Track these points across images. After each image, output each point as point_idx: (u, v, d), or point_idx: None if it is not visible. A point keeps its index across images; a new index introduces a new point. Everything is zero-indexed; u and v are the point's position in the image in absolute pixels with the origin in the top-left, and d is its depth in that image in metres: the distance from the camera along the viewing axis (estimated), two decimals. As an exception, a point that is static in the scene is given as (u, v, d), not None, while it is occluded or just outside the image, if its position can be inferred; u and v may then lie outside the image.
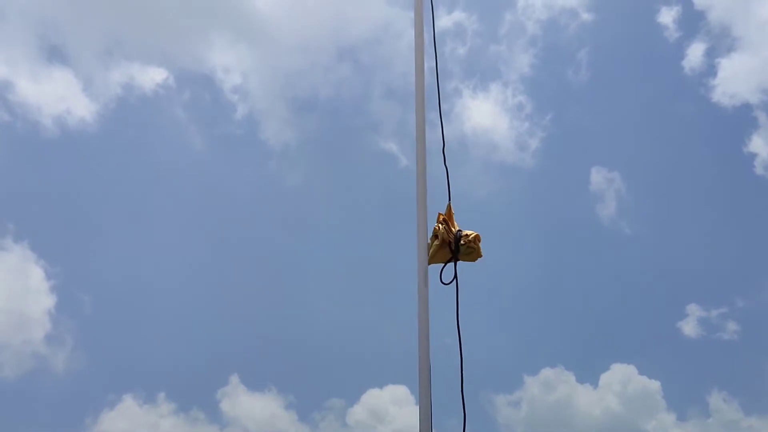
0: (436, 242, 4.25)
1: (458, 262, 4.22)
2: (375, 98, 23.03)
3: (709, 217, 21.12)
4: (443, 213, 4.34)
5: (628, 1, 23.96)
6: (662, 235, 21.06)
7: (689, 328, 18.84)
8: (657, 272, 20.24)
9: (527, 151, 21.76)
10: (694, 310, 18.83)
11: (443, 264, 4.26)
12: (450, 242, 4.24)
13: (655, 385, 17.88)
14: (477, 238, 4.31)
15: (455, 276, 4.20)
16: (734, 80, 21.07)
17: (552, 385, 18.38)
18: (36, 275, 18.73)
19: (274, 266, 20.52)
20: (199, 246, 20.75)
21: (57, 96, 21.30)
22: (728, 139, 21.54)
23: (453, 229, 4.30)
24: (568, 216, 21.70)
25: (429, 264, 4.16)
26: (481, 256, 4.34)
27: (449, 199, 4.43)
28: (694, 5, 22.08)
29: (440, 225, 4.29)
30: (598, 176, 20.96)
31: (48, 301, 18.47)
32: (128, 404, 17.13)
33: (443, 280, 4.20)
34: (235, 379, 17.64)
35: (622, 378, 18.06)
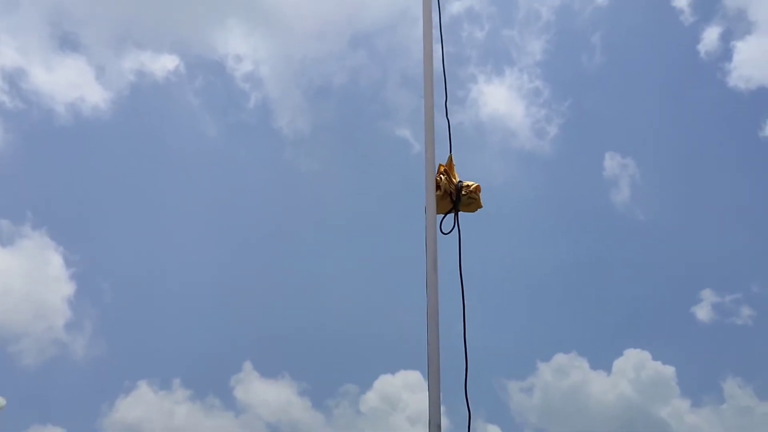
0: (438, 192, 4.24)
1: (459, 213, 4.26)
2: (390, 85, 23.02)
3: (724, 203, 21.04)
4: (444, 164, 4.35)
5: (643, -15, 23.79)
6: (676, 220, 20.99)
7: (703, 313, 18.82)
8: (671, 258, 20.18)
9: (542, 136, 21.70)
10: (708, 295, 18.80)
11: (443, 215, 4.27)
12: (451, 192, 4.26)
13: (669, 370, 17.87)
14: (477, 189, 4.33)
15: (456, 225, 4.23)
16: (750, 64, 20.92)
17: (565, 371, 18.40)
18: (55, 262, 18.90)
19: (287, 254, 20.60)
20: (213, 234, 20.86)
21: (70, 84, 21.42)
22: (744, 122, 21.41)
23: (454, 179, 4.32)
24: (583, 202, 21.67)
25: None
26: (481, 206, 4.36)
27: (450, 151, 4.45)
28: (709, -12, 21.92)
29: (441, 176, 4.30)
30: (612, 162, 20.89)
31: (68, 289, 18.63)
32: (144, 390, 17.28)
33: (443, 231, 4.22)
34: (248, 366, 17.74)
35: (635, 364, 18.04)
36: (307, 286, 19.65)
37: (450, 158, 4.40)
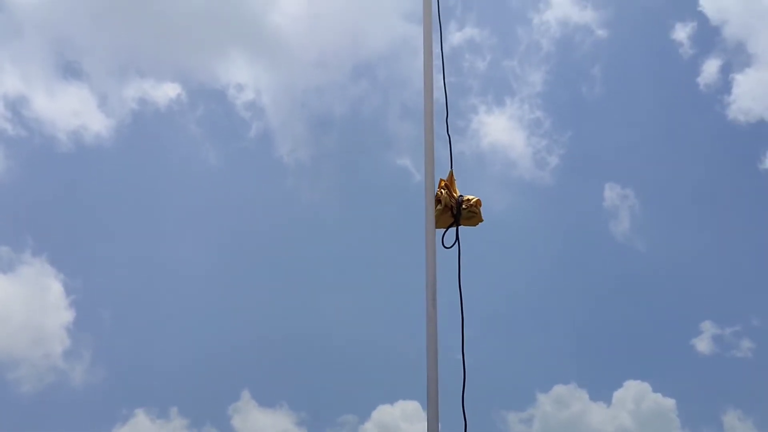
0: (438, 207, 4.30)
1: (460, 227, 4.30)
2: (391, 115, 23.09)
3: (724, 235, 21.01)
4: (445, 179, 4.39)
5: (643, 18, 23.93)
6: (676, 252, 20.95)
7: (704, 345, 18.73)
8: (671, 289, 20.15)
9: (543, 166, 21.75)
10: (708, 327, 18.72)
11: (445, 229, 4.32)
12: (452, 207, 4.30)
13: (669, 402, 17.77)
14: (478, 203, 4.37)
15: (457, 239, 4.28)
16: (749, 96, 20.99)
17: (565, 403, 18.29)
18: (55, 289, 18.86)
19: (287, 282, 20.55)
20: (213, 262, 20.81)
21: (72, 111, 21.48)
22: (743, 155, 21.44)
23: (454, 194, 4.36)
24: (582, 232, 21.65)
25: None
26: (482, 220, 4.40)
27: (451, 167, 4.49)
28: (708, 21, 22.01)
29: (442, 190, 4.34)
30: (611, 193, 20.92)
31: (67, 316, 18.56)
32: (141, 419, 17.14)
33: (445, 245, 4.28)
34: (246, 395, 17.64)
35: (635, 395, 17.95)
36: (306, 315, 19.59)
37: (451, 173, 4.46)
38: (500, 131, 22.30)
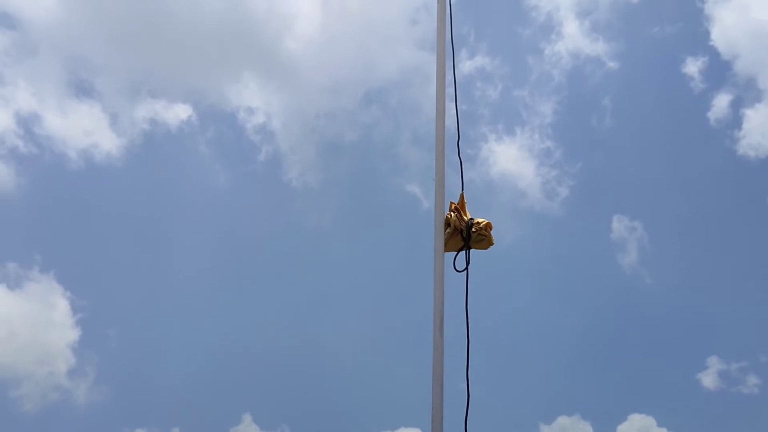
0: (448, 230, 4.30)
1: (471, 251, 4.31)
2: (401, 141, 23.15)
3: (732, 270, 20.93)
4: (455, 202, 4.39)
5: (654, 51, 24.00)
6: (684, 285, 20.87)
7: (709, 380, 18.61)
8: (678, 323, 20.04)
9: (552, 197, 21.75)
10: (714, 362, 18.60)
11: (456, 252, 4.32)
12: (462, 230, 4.29)
13: (673, 437, 17.62)
14: (488, 226, 4.38)
15: (467, 263, 4.28)
16: (759, 132, 20.98)
17: (568, 435, 18.14)
18: (61, 307, 18.84)
19: (292, 305, 20.52)
20: (219, 284, 20.82)
21: (84, 130, 21.61)
22: (752, 190, 21.42)
23: (465, 217, 4.36)
24: (590, 264, 21.59)
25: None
26: (492, 243, 4.40)
27: (462, 189, 4.50)
28: (720, 56, 22.07)
29: (452, 213, 4.35)
30: (619, 225, 20.88)
31: (73, 334, 18.54)
32: (141, 439, 17.11)
33: (456, 268, 4.27)
34: (248, 418, 17.57)
35: (640, 429, 17.78)
36: (311, 338, 19.55)
37: (461, 197, 4.47)
38: (510, 160, 22.34)
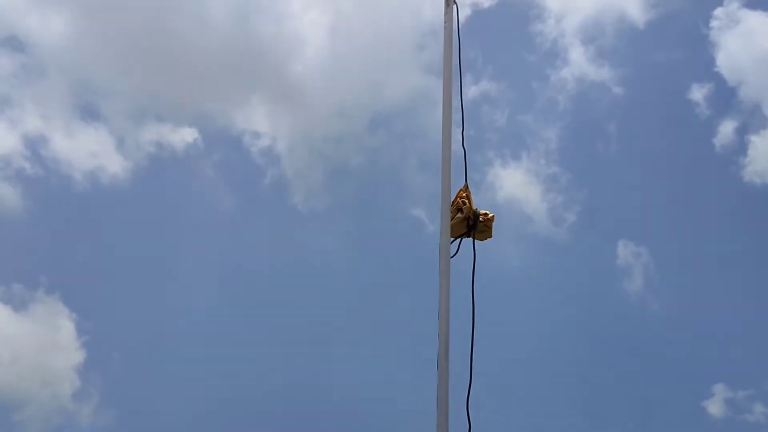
0: (459, 215, 4.36)
1: (471, 239, 4.38)
2: (408, 166, 23.16)
3: (738, 297, 20.81)
4: (463, 189, 4.42)
5: (659, 77, 24.06)
6: (690, 312, 20.75)
7: (715, 408, 18.47)
8: (683, 350, 19.92)
9: (558, 223, 21.72)
10: (720, 390, 18.48)
11: (457, 239, 4.38)
12: (469, 217, 4.35)
13: (679, 465, 17.50)
14: (492, 219, 4.43)
15: (458, 251, 4.33)
16: (765, 158, 20.96)
17: (574, 462, 17.99)
18: (66, 329, 18.80)
19: (297, 331, 20.44)
20: (223, 308, 20.74)
21: (90, 152, 21.71)
22: (758, 217, 21.37)
23: (472, 206, 4.42)
24: (595, 290, 21.51)
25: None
26: (491, 236, 4.46)
27: (465, 180, 4.55)
28: (725, 82, 22.08)
29: (465, 201, 4.41)
30: (625, 250, 20.82)
31: (77, 357, 18.49)
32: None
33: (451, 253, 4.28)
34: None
35: (645, 457, 17.67)
36: (315, 366, 19.45)
37: (466, 186, 4.52)
38: (516, 185, 22.33)
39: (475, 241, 4.39)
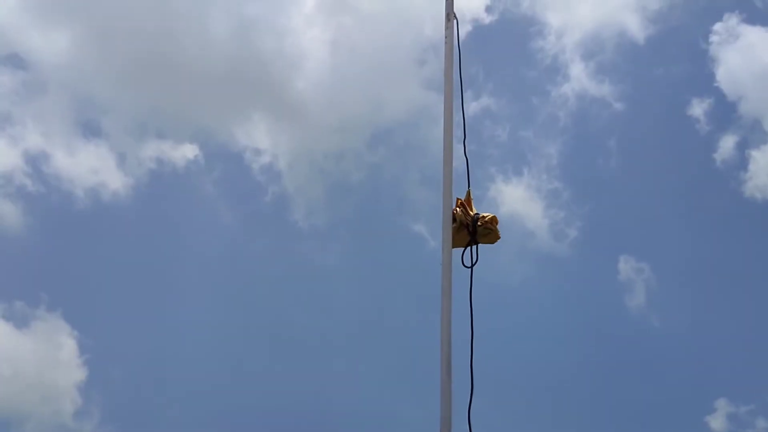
0: (454, 225, 4.32)
1: (479, 246, 4.35)
2: (409, 182, 23.17)
3: (740, 312, 20.78)
4: (461, 198, 4.42)
5: (660, 92, 24.12)
6: (692, 327, 20.70)
7: (718, 423, 18.40)
8: (685, 365, 19.85)
9: (560, 238, 21.70)
10: (723, 405, 18.42)
11: (463, 248, 4.35)
12: (468, 224, 4.31)
13: (682, 480, 17.42)
14: (494, 220, 4.40)
15: (476, 258, 4.33)
16: (765, 173, 20.97)
17: (576, 478, 17.93)
18: (68, 346, 18.75)
19: (298, 346, 20.39)
20: (224, 324, 20.68)
21: (91, 169, 21.74)
22: (759, 231, 21.36)
23: (471, 212, 4.38)
24: (597, 306, 21.46)
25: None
26: (499, 237, 4.42)
27: (468, 186, 4.54)
28: (725, 97, 22.13)
29: (458, 209, 4.38)
30: (626, 266, 20.79)
31: (79, 374, 18.43)
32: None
33: (465, 264, 4.31)
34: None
35: (648, 472, 17.60)
36: (317, 378, 19.40)
37: (468, 192, 4.50)
38: (518, 201, 22.33)
39: (481, 246, 4.37)
